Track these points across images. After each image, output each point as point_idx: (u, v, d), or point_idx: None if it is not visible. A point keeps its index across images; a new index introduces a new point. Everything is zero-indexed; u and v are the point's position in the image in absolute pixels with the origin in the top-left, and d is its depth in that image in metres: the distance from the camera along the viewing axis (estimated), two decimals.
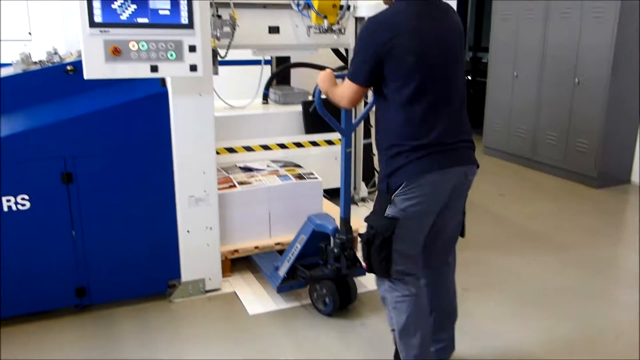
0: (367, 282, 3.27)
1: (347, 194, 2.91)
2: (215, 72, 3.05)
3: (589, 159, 5.37)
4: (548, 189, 5.45)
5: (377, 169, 2.63)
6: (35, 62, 3.08)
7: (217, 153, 3.15)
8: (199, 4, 2.68)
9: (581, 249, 4.00)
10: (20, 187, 2.72)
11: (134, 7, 2.56)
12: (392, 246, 2.16)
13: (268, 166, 3.87)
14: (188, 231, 3.08)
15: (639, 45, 5.07)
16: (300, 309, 3.08)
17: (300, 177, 3.66)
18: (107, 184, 2.88)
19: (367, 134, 4.59)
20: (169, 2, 2.61)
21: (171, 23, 2.64)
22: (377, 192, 2.29)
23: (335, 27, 3.64)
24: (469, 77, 8.05)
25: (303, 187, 3.60)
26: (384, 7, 2.27)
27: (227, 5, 3.21)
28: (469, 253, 3.73)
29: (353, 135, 3.85)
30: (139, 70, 2.64)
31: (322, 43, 3.91)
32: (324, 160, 4.25)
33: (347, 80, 2.23)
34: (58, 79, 2.85)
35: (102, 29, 2.53)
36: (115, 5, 2.53)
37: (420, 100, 2.11)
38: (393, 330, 2.34)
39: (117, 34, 2.56)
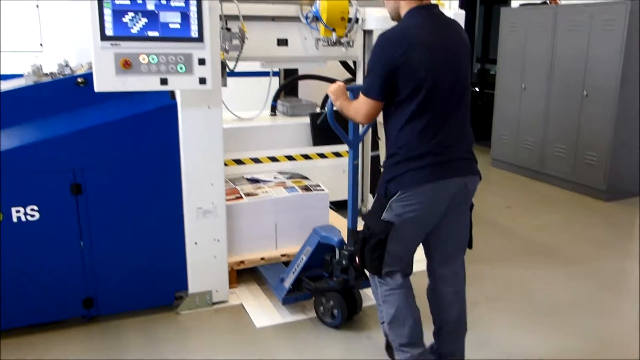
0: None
1: (354, 206, 2.91)
2: (224, 84, 3.07)
3: (598, 172, 5.34)
4: (556, 202, 5.42)
5: None
6: (47, 74, 3.11)
7: (225, 165, 3.16)
8: (209, 18, 2.71)
9: (590, 262, 3.97)
10: (30, 198, 2.74)
11: (144, 20, 2.59)
12: (385, 247, 2.27)
13: (275, 178, 3.88)
14: (196, 243, 3.08)
15: None
16: (306, 322, 3.07)
17: (306, 188, 3.66)
18: (116, 196, 2.89)
19: (374, 146, 4.58)
20: (180, 15, 2.64)
21: (181, 36, 2.66)
22: (376, 194, 2.39)
23: (343, 40, 3.65)
24: (477, 89, 8.05)
25: (309, 199, 3.60)
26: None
27: (236, 18, 3.23)
28: (477, 266, 3.71)
29: (361, 146, 3.86)
30: (149, 83, 2.66)
31: (331, 55, 3.92)
32: (332, 172, 4.25)
33: (361, 96, 2.30)
34: (69, 91, 2.88)
35: (113, 42, 2.56)
36: (126, 19, 2.56)
37: (423, 112, 2.19)
38: (382, 322, 2.49)
39: (127, 47, 2.58)
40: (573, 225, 4.76)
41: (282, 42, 3.74)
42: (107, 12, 2.51)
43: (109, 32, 2.54)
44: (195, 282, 3.14)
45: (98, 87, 2.60)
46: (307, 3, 3.64)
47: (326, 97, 4.19)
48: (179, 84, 2.73)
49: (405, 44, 2.15)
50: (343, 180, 3.76)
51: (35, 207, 2.75)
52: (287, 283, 3.11)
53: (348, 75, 4.70)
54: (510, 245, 4.28)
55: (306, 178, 3.95)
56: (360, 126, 2.80)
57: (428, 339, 2.49)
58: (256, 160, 4.06)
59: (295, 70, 5.10)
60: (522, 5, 6.37)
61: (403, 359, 2.39)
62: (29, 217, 2.74)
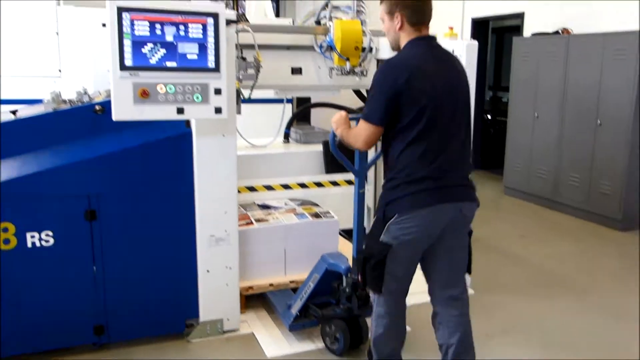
0: None
1: (359, 234, 2.91)
2: (238, 112, 3.10)
3: (613, 201, 5.29)
4: (570, 230, 5.36)
5: None
6: (65, 101, 3.16)
7: (238, 192, 3.17)
8: (226, 48, 2.75)
9: (605, 293, 3.91)
10: (45, 223, 2.76)
11: (163, 51, 2.63)
12: (384, 267, 2.34)
13: (286, 204, 3.88)
14: (208, 271, 3.08)
15: None
16: (315, 352, 3.04)
17: (317, 215, 3.66)
18: (130, 222, 2.91)
19: None
20: (197, 46, 2.69)
21: (198, 67, 2.71)
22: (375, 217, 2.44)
23: (357, 69, 3.68)
24: (489, 117, 8.05)
25: (319, 226, 3.60)
26: None
27: (251, 47, 3.27)
28: (490, 297, 3.67)
29: (372, 174, 3.84)
30: (166, 112, 2.70)
31: (344, 84, 3.95)
32: (344, 200, 4.23)
33: (362, 122, 2.35)
34: (87, 118, 2.92)
35: (132, 72, 2.60)
36: (145, 50, 2.60)
37: (422, 140, 2.26)
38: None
39: (146, 77, 2.63)
40: (587, 254, 4.69)
41: (297, 71, 3.78)
42: (127, 43, 2.56)
43: (128, 62, 2.59)
44: (207, 310, 3.13)
45: (116, 116, 2.64)
46: (321, 32, 3.68)
47: None
48: (195, 113, 2.77)
49: (407, 71, 2.23)
50: None
51: (50, 233, 2.77)
52: (295, 310, 3.09)
53: (361, 104, 4.73)
54: (523, 275, 4.22)
55: (317, 205, 3.95)
56: (368, 155, 2.83)
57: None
58: (269, 188, 4.06)
59: (308, 98, 5.14)
60: (534, 34, 6.40)
61: None
62: (43, 243, 2.76)
